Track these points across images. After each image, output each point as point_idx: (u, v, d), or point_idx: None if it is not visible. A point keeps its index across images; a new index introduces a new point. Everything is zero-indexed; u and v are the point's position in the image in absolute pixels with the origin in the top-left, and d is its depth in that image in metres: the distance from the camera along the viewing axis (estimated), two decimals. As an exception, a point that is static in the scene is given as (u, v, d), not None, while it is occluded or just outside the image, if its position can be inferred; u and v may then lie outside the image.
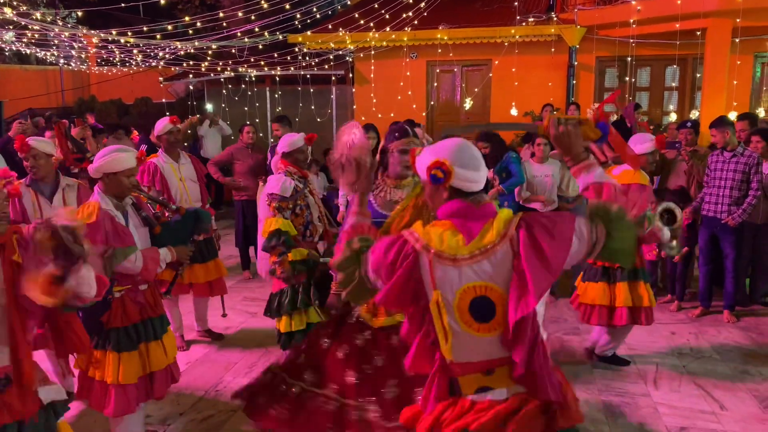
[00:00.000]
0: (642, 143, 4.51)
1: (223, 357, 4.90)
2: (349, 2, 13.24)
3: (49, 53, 13.61)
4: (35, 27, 10.30)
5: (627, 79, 10.08)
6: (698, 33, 8.71)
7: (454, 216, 1.95)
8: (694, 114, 9.28)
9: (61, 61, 15.15)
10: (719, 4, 8.07)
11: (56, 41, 12.33)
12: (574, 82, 10.51)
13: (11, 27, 10.97)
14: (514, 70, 10.51)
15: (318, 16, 11.17)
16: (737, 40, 8.39)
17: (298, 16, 10.36)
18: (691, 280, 6.10)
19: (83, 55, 14.33)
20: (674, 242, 4.28)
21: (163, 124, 4.99)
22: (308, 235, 3.93)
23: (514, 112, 10.33)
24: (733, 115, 7.08)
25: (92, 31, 11.82)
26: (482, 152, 5.99)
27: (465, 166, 1.95)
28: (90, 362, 3.28)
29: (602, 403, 4.09)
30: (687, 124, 6.24)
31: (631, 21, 9.03)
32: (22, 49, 13.30)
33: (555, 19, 10.58)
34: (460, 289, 1.90)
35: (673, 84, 10.27)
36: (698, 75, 9.63)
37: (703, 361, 4.72)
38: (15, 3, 10.48)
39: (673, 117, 9.71)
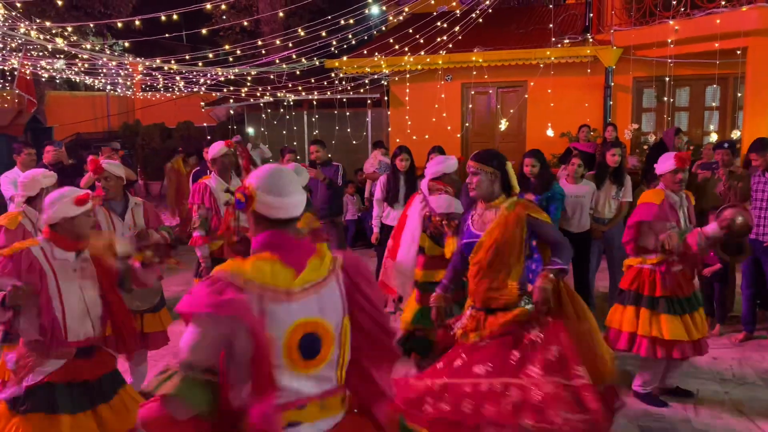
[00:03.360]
0: (663, 162, 4.34)
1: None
2: (384, 28, 13.46)
3: (97, 80, 14.18)
4: (85, 56, 10.76)
5: (665, 99, 9.95)
6: (738, 52, 8.57)
7: (277, 248, 1.86)
8: (735, 134, 9.09)
9: (108, 87, 15.75)
10: (760, 23, 7.94)
11: (104, 70, 12.84)
12: (611, 102, 10.42)
13: (62, 56, 11.48)
14: (549, 91, 10.49)
15: (353, 42, 11.38)
16: (780, 59, 8.22)
17: (334, 42, 10.58)
18: (733, 303, 5.93)
19: (129, 82, 14.87)
20: (740, 218, 4.10)
21: (218, 148, 5.16)
22: None
23: (550, 132, 10.29)
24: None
25: (138, 59, 12.27)
26: (531, 170, 5.72)
27: (272, 192, 1.87)
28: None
29: (639, 429, 3.99)
30: (724, 145, 6.12)
31: (669, 41, 8.94)
32: (72, 77, 13.87)
33: (591, 40, 10.55)
34: (292, 326, 1.81)
35: (714, 104, 10.08)
36: (740, 94, 9.45)
37: (746, 388, 4.57)
38: (66, 33, 10.98)
39: (713, 137, 9.52)
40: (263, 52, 11.43)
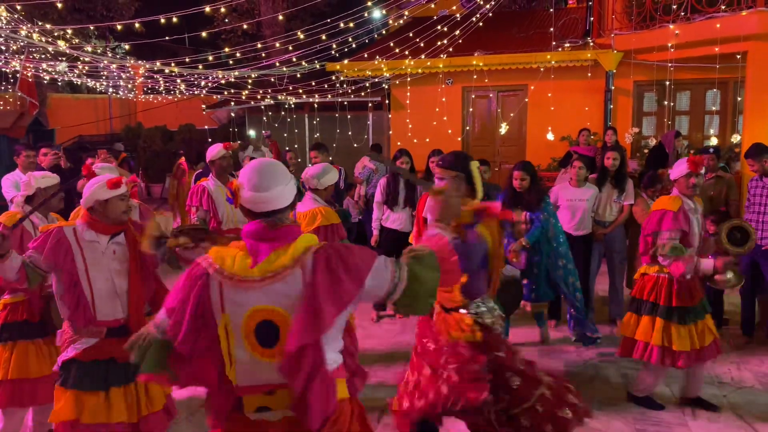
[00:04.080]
0: (677, 167, 4.33)
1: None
2: (385, 31, 13.50)
3: (98, 83, 14.23)
4: (86, 59, 10.80)
5: (666, 103, 9.97)
6: (738, 56, 8.59)
7: (249, 237, 1.98)
8: (735, 138, 9.10)
9: (110, 90, 15.80)
10: (760, 28, 7.95)
11: (106, 72, 12.89)
12: (612, 106, 10.43)
13: (64, 58, 11.53)
14: (550, 95, 10.50)
15: (354, 45, 11.42)
16: (780, 63, 8.23)
17: (334, 46, 10.62)
18: (722, 306, 5.89)
19: (130, 85, 14.92)
20: (729, 275, 4.11)
21: (216, 150, 5.21)
22: None
23: (550, 136, 10.30)
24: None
25: (139, 62, 12.31)
26: (521, 183, 5.53)
27: (250, 187, 1.97)
28: None
29: (637, 431, 4.00)
30: (709, 150, 6.16)
31: (669, 45, 8.95)
32: (74, 79, 13.92)
33: (591, 44, 10.57)
34: (248, 312, 1.90)
35: (714, 108, 10.09)
36: (740, 98, 9.46)
37: (744, 392, 4.57)
38: (68, 36, 11.02)
39: (714, 141, 9.53)
40: (264, 55, 11.46)
